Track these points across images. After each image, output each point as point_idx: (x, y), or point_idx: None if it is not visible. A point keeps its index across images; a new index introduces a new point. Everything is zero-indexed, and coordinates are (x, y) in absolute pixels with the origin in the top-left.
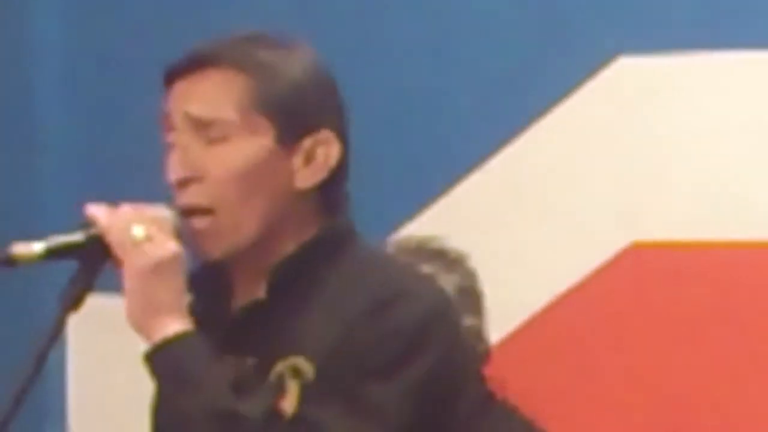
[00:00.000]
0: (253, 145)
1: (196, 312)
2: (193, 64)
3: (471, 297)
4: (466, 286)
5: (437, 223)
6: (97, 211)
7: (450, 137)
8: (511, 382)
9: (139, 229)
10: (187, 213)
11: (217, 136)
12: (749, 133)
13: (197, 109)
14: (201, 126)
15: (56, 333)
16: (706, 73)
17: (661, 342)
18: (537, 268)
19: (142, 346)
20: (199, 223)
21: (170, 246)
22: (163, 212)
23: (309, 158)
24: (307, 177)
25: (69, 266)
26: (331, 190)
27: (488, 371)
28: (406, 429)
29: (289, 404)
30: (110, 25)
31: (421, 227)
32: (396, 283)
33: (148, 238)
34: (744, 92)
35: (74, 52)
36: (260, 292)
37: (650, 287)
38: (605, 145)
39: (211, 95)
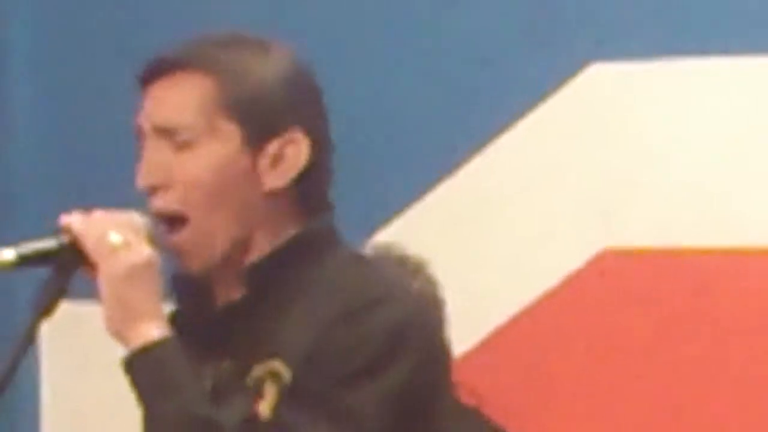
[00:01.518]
0: (218, 149)
1: (178, 312)
2: (160, 68)
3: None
4: (427, 293)
5: (410, 229)
6: (70, 218)
7: (422, 144)
8: (482, 388)
9: (116, 236)
10: (160, 218)
11: (183, 142)
12: (721, 139)
13: (162, 116)
14: (167, 133)
15: (29, 340)
16: (678, 80)
17: (634, 347)
18: (509, 274)
19: (116, 353)
20: (176, 236)
21: (145, 251)
22: (136, 218)
23: (277, 159)
24: (275, 178)
25: (42, 273)
26: (305, 191)
27: (460, 378)
28: None
29: (266, 408)
30: (82, 24)
31: (394, 234)
32: (374, 288)
33: (124, 244)
34: (716, 98)
35: (46, 54)
36: (237, 295)
37: (622, 293)
38: (578, 151)
39: (175, 101)
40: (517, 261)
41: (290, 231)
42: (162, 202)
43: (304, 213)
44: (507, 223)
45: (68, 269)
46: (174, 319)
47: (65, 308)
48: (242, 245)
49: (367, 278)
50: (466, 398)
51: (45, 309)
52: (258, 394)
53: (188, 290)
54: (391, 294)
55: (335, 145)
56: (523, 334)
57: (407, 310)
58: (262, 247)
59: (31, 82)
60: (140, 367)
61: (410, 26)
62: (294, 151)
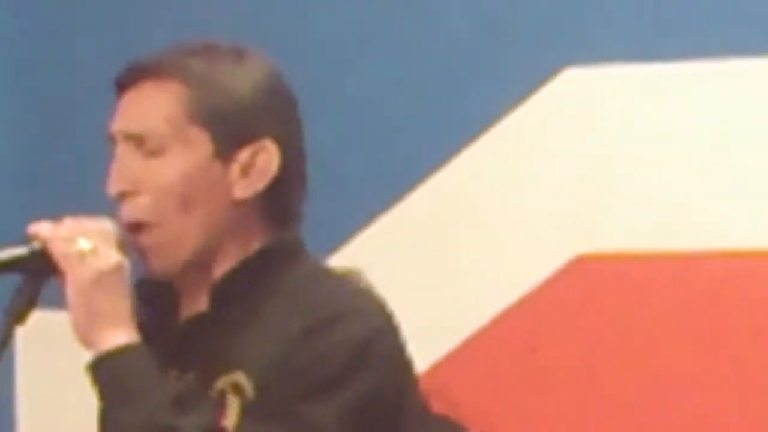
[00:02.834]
0: (188, 156)
1: (141, 321)
2: (132, 76)
3: None
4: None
5: (383, 236)
6: (39, 226)
7: (396, 150)
8: (457, 396)
9: (85, 242)
10: (129, 228)
11: (152, 150)
12: (695, 144)
13: (131, 123)
14: (137, 140)
15: (2, 347)
16: (653, 84)
17: (608, 352)
18: (484, 280)
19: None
20: (142, 239)
21: (114, 257)
22: (106, 224)
23: (246, 168)
24: (245, 187)
25: (13, 281)
26: (275, 201)
27: (434, 386)
28: None
29: (229, 421)
30: (62, 37)
31: (372, 239)
32: (338, 302)
33: (92, 250)
34: (692, 102)
35: (26, 60)
36: (204, 305)
37: (597, 298)
38: (552, 156)
39: (145, 108)
40: (492, 267)
41: (258, 241)
42: (131, 211)
43: (273, 223)
44: (481, 228)
45: (39, 276)
46: (138, 328)
47: (39, 316)
48: (209, 253)
49: (330, 293)
50: (439, 407)
51: (18, 316)
52: (222, 406)
53: (153, 298)
54: (353, 309)
55: (313, 149)
56: (499, 340)
57: (369, 326)
58: (230, 257)
59: (9, 89)
60: (104, 372)
61: (383, 30)
62: (264, 161)
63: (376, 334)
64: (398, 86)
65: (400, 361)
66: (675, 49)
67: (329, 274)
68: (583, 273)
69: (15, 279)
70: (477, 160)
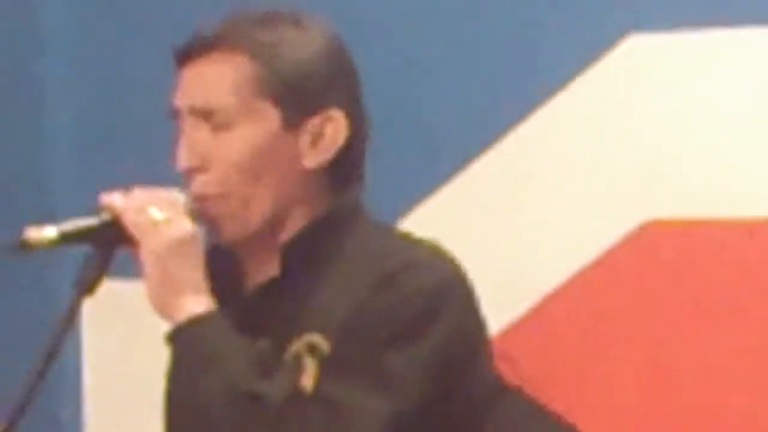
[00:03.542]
0: (256, 130)
1: (211, 291)
2: (196, 48)
3: None
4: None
5: (453, 203)
6: (111, 196)
7: (461, 117)
8: (524, 363)
9: (157, 211)
10: (200, 200)
11: (221, 124)
12: (762, 110)
13: (199, 98)
14: (204, 114)
15: (71, 318)
16: (717, 50)
17: (677, 320)
18: (549, 248)
19: (157, 331)
20: (213, 208)
21: (186, 226)
22: (176, 195)
23: (316, 138)
24: (314, 157)
25: (84, 252)
26: (341, 168)
27: (500, 352)
28: (425, 397)
29: (307, 382)
30: (118, 11)
31: (437, 207)
32: (405, 255)
33: (166, 220)
34: (755, 68)
35: (82, 39)
36: (273, 272)
37: (666, 264)
38: (616, 124)
39: (212, 82)
40: (558, 235)
41: (323, 205)
42: (200, 186)
43: (336, 189)
44: (550, 195)
45: (109, 246)
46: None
47: (107, 286)
48: (278, 221)
49: (397, 246)
50: (507, 375)
51: (87, 287)
52: (298, 369)
53: (218, 269)
54: (422, 259)
55: (375, 118)
56: (566, 308)
57: (443, 272)
58: (296, 224)
59: (68, 63)
60: (185, 340)
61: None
62: (333, 130)
63: (448, 282)
64: (460, 54)
65: (474, 309)
66: (739, 15)
67: (394, 231)
68: (650, 239)
69: (83, 250)
70: (545, 127)
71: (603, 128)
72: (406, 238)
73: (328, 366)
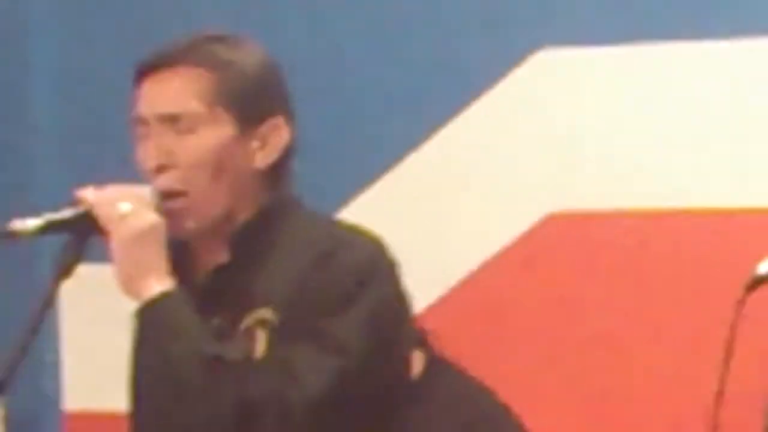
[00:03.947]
0: (217, 133)
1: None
2: (161, 63)
3: None
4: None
5: (383, 197)
6: (85, 192)
7: (383, 123)
8: (443, 338)
9: (125, 204)
10: (165, 195)
11: (185, 128)
12: (656, 117)
13: (167, 105)
14: (171, 119)
15: (50, 299)
16: (619, 63)
17: (577, 301)
18: (467, 236)
19: (125, 307)
20: (175, 203)
21: (151, 217)
22: (143, 190)
23: (265, 142)
24: (263, 159)
25: (63, 239)
26: (279, 167)
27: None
28: (367, 355)
29: (260, 350)
30: (101, 21)
31: (369, 201)
32: (338, 237)
33: (133, 212)
34: (652, 79)
35: (67, 45)
36: (223, 259)
37: (566, 251)
38: (528, 128)
39: (179, 92)
40: (471, 225)
41: (263, 201)
42: (167, 181)
43: (276, 185)
44: (462, 192)
45: (84, 235)
46: None
47: (82, 270)
48: (230, 214)
49: (332, 228)
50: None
51: (64, 270)
52: (251, 340)
53: (175, 259)
54: (353, 238)
55: (304, 127)
56: (481, 288)
57: (371, 250)
58: (243, 216)
59: (51, 79)
60: (154, 314)
61: (372, 11)
62: (278, 136)
63: (376, 257)
64: (390, 65)
65: (398, 279)
66: (638, 32)
67: (326, 218)
68: (553, 229)
69: (62, 238)
70: (460, 133)
71: (515, 133)
72: (338, 224)
73: (277, 335)
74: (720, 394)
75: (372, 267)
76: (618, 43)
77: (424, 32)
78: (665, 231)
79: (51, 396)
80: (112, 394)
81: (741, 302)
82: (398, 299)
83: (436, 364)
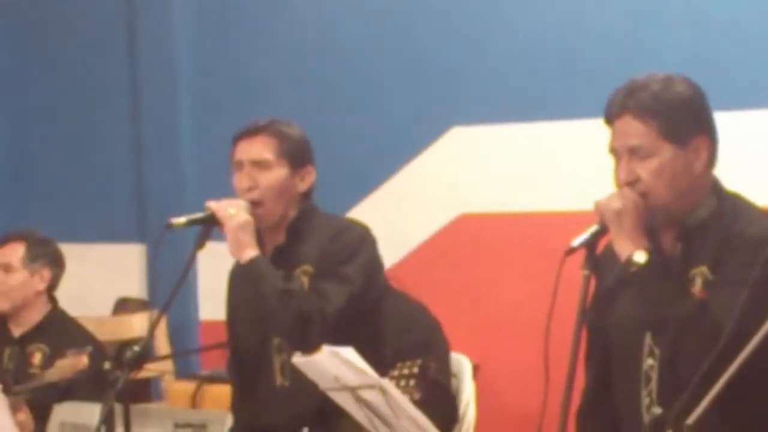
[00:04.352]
0: (281, 172)
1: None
2: (252, 132)
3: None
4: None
5: (364, 211)
6: (210, 202)
7: (335, 178)
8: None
9: (232, 209)
10: (251, 204)
11: (263, 167)
12: (535, 168)
13: (255, 154)
14: (258, 163)
15: (192, 259)
16: (519, 138)
17: (483, 289)
18: (391, 234)
19: (228, 265)
20: (257, 210)
21: (246, 217)
22: (241, 202)
23: (303, 179)
24: (303, 187)
25: (197, 229)
26: (309, 192)
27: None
28: (362, 288)
29: (305, 286)
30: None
31: (360, 211)
32: (344, 224)
33: (236, 213)
34: (550, 150)
35: (207, 80)
36: (281, 240)
37: (472, 247)
38: (444, 189)
39: (262, 148)
40: (394, 225)
41: (300, 206)
42: (253, 196)
43: (304, 198)
44: (394, 208)
45: (210, 226)
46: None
47: (210, 245)
48: (284, 216)
49: (340, 221)
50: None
51: (199, 245)
52: (300, 281)
53: (260, 238)
54: (353, 225)
55: None
56: (409, 267)
57: (362, 232)
58: (291, 216)
59: (195, 117)
60: (247, 269)
61: (306, 86)
62: (309, 175)
63: (367, 237)
64: (321, 142)
65: (377, 250)
66: (533, 113)
67: (335, 216)
68: (462, 228)
69: (197, 228)
70: (391, 193)
71: (435, 195)
72: (343, 218)
73: (313, 278)
74: (547, 329)
75: (364, 242)
76: (522, 122)
77: (356, 111)
78: (558, 230)
79: (192, 312)
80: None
81: (561, 262)
82: (377, 258)
83: (394, 292)
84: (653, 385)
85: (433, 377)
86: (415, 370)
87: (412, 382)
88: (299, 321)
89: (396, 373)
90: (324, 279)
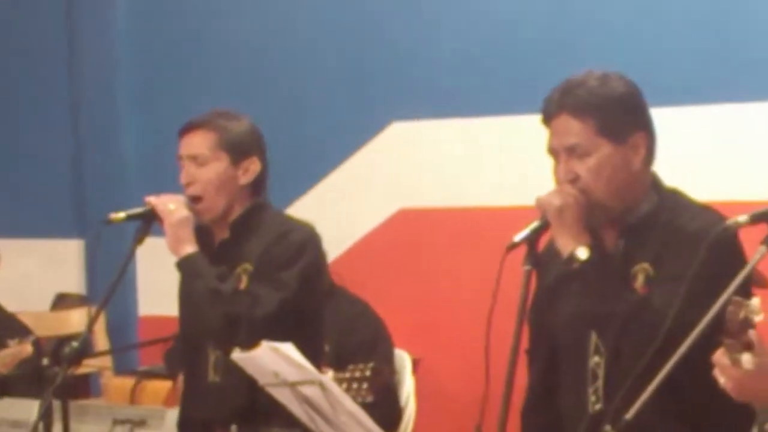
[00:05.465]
0: (218, 166)
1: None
2: (190, 127)
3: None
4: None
5: (307, 205)
6: (150, 198)
7: (275, 173)
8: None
9: (171, 205)
10: (191, 200)
11: (201, 162)
12: (476, 167)
13: (193, 149)
14: (194, 158)
15: (131, 254)
16: (457, 134)
17: (421, 281)
18: (335, 228)
19: (174, 260)
20: (197, 205)
21: (185, 213)
22: (181, 197)
23: (246, 170)
24: (245, 179)
25: (137, 224)
26: (256, 184)
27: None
28: (298, 294)
29: (243, 286)
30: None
31: (302, 205)
32: (289, 224)
33: (176, 209)
34: (488, 142)
35: (147, 83)
36: (225, 235)
37: (411, 240)
38: (384, 186)
39: (198, 143)
40: (339, 219)
41: (248, 202)
42: (192, 192)
43: (254, 193)
44: (342, 198)
45: (150, 221)
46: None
47: (149, 241)
48: (228, 210)
49: (287, 220)
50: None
51: (138, 240)
52: (238, 280)
53: (198, 235)
54: (298, 226)
55: None
56: (349, 262)
57: (307, 234)
58: (236, 212)
59: (135, 111)
60: (183, 265)
61: (251, 92)
62: (254, 166)
63: (311, 238)
64: (274, 133)
65: (322, 252)
66: (469, 108)
67: (284, 215)
68: (402, 222)
69: (137, 223)
70: (332, 186)
71: (375, 189)
72: (289, 217)
73: (252, 278)
74: (489, 324)
75: (307, 244)
76: (460, 117)
77: (295, 112)
78: (489, 223)
79: (131, 307)
80: (166, 306)
81: (503, 258)
82: (321, 261)
83: (337, 290)
84: (600, 382)
85: (386, 381)
86: (368, 373)
87: (365, 385)
88: (226, 322)
89: (348, 375)
90: (260, 281)
